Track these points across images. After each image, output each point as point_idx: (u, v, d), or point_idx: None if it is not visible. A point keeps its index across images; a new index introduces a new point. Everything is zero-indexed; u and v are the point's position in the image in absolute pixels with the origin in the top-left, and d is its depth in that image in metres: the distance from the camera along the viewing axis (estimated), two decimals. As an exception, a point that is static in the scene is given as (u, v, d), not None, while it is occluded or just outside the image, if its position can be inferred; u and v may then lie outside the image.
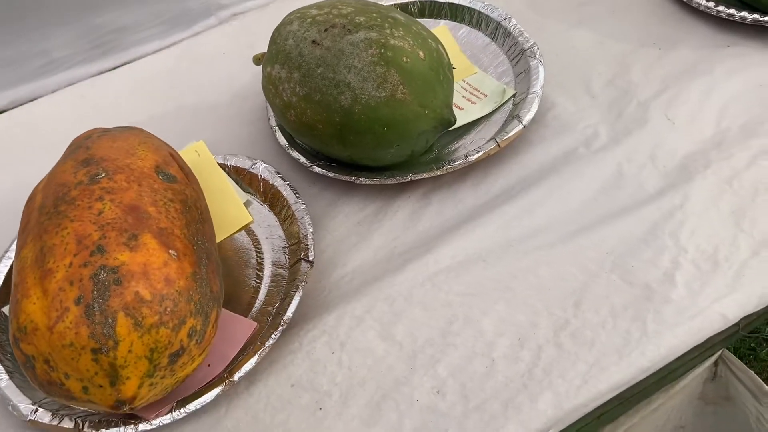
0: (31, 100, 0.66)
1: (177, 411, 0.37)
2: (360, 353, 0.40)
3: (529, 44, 0.54)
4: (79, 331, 0.31)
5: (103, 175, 0.37)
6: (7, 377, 0.39)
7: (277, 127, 0.52)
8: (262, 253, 0.46)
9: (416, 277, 0.43)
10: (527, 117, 0.49)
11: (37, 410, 0.38)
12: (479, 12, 0.58)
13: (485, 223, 0.46)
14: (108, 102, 0.61)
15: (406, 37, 0.43)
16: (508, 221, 0.46)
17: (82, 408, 0.38)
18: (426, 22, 0.60)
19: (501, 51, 0.57)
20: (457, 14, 0.60)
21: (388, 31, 0.43)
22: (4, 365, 0.40)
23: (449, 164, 0.47)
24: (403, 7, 0.61)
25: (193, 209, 0.39)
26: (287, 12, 0.48)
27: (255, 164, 0.50)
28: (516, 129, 0.48)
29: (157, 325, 0.32)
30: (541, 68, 0.52)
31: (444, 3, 0.60)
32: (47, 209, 0.36)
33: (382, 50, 0.42)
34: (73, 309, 0.31)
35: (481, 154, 0.47)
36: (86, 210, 0.35)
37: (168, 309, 0.33)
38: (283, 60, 0.45)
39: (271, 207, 0.48)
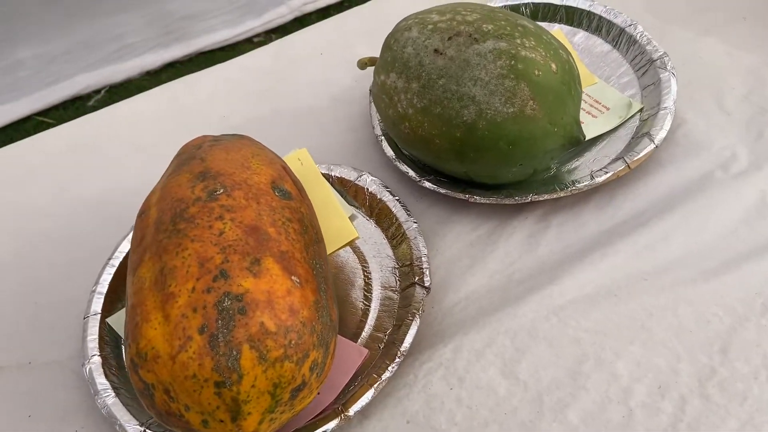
0: (109, 87, 0.65)
1: (290, 444, 0.35)
2: (481, 391, 0.37)
3: (659, 54, 0.50)
4: (203, 362, 0.29)
5: (222, 191, 0.35)
6: (113, 394, 0.38)
7: (383, 137, 0.50)
8: (370, 273, 0.44)
9: (540, 309, 0.40)
10: (659, 135, 0.45)
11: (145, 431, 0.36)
12: (600, 17, 0.54)
13: (613, 252, 0.42)
14: (201, 102, 0.60)
15: (537, 47, 0.40)
16: (638, 251, 0.42)
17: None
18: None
19: (624, 60, 0.52)
20: (574, 18, 0.56)
21: (518, 40, 0.40)
22: (110, 380, 0.39)
23: (573, 185, 0.43)
24: (515, 9, 0.57)
25: (310, 229, 0.37)
26: (382, 13, 0.46)
27: (361, 176, 0.47)
28: (647, 149, 0.44)
29: (282, 359, 0.30)
30: (673, 81, 0.48)
31: (560, 6, 0.56)
32: (165, 226, 0.34)
33: (513, 62, 0.39)
34: (196, 338, 0.30)
35: (609, 175, 0.43)
36: (207, 230, 0.33)
37: (293, 342, 0.31)
38: (401, 69, 0.43)
39: (378, 223, 0.46)
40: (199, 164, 0.38)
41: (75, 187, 0.54)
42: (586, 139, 0.47)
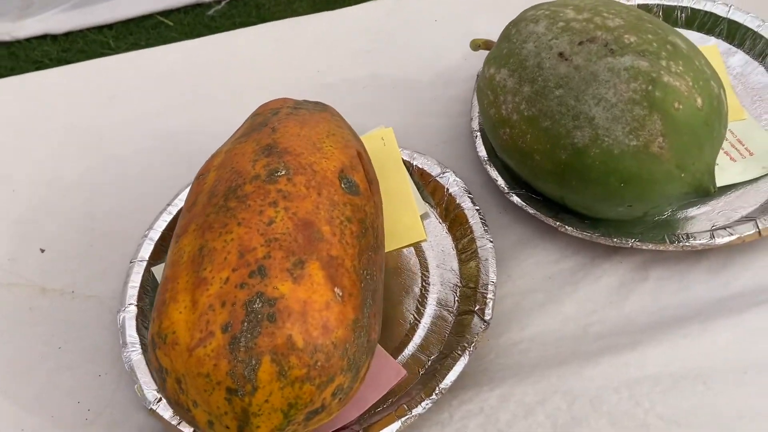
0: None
1: (300, 456, 0.32)
2: (520, 454, 0.33)
3: (834, 101, 0.41)
4: (219, 363, 0.27)
5: (283, 173, 0.32)
6: (140, 350, 0.37)
7: (478, 133, 0.44)
8: (429, 285, 0.40)
9: (611, 376, 0.34)
10: (809, 202, 0.37)
11: (161, 400, 0.35)
12: (768, 40, 0.45)
13: (716, 329, 0.35)
14: (303, 49, 0.56)
15: (685, 74, 0.33)
16: (748, 335, 0.35)
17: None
18: (691, 36, 0.48)
19: (786, 98, 0.44)
20: (737, 35, 0.47)
21: (664, 62, 0.33)
22: (140, 335, 0.38)
23: (686, 240, 0.37)
24: (668, 12, 0.49)
25: (370, 232, 0.33)
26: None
27: (445, 174, 0.43)
28: (790, 216, 0.37)
29: (303, 379, 0.27)
30: (844, 139, 0.39)
31: (723, 18, 0.47)
32: (217, 199, 0.31)
33: (650, 87, 0.32)
34: (218, 335, 0.27)
35: (733, 238, 0.36)
36: (256, 215, 0.30)
37: (319, 363, 0.27)
38: (515, 66, 0.37)
39: (451, 229, 0.41)
40: (269, 135, 0.34)
41: (158, 116, 0.53)
42: (718, 187, 0.40)
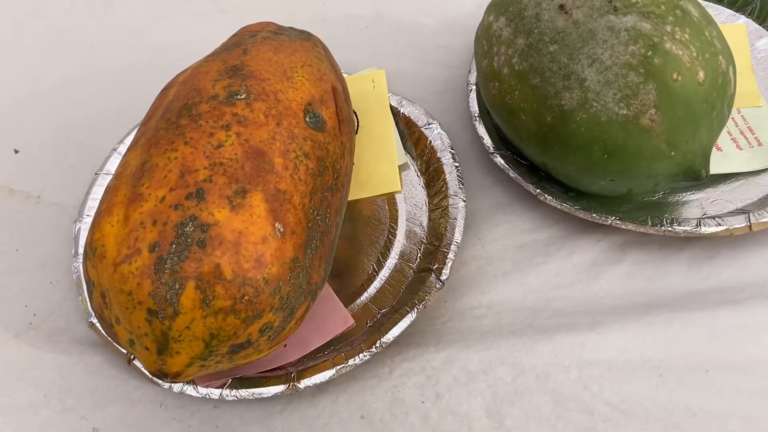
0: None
1: (228, 390, 0.31)
2: (454, 419, 0.32)
3: None
4: (142, 282, 0.26)
5: (243, 96, 0.30)
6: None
7: (474, 86, 0.42)
8: (394, 237, 0.38)
9: (563, 355, 0.33)
10: (809, 202, 0.34)
11: (102, 315, 0.34)
12: (803, 24, 0.41)
13: (684, 321, 0.33)
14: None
15: (690, 44, 0.30)
16: (716, 333, 0.33)
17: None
18: (721, 12, 0.44)
19: (810, 89, 0.40)
20: (767, 17, 0.43)
21: (669, 28, 0.30)
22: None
23: (671, 224, 0.34)
24: (698, -17, 0.45)
25: (329, 172, 0.31)
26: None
27: (430, 125, 0.41)
28: (786, 214, 0.34)
29: (227, 311, 0.26)
30: None
31: (758, -6, 0.43)
32: (170, 115, 0.30)
33: (650, 53, 0.30)
34: (144, 254, 0.26)
35: (720, 229, 0.34)
36: (206, 136, 0.28)
37: (246, 297, 0.26)
38: (513, 15, 0.34)
39: (427, 185, 0.39)
40: (238, 56, 0.32)
41: (151, 30, 0.51)
42: (715, 173, 0.38)
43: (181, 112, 0.29)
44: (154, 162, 0.28)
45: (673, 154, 0.31)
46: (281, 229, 0.28)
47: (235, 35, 0.36)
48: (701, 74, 0.30)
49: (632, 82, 0.30)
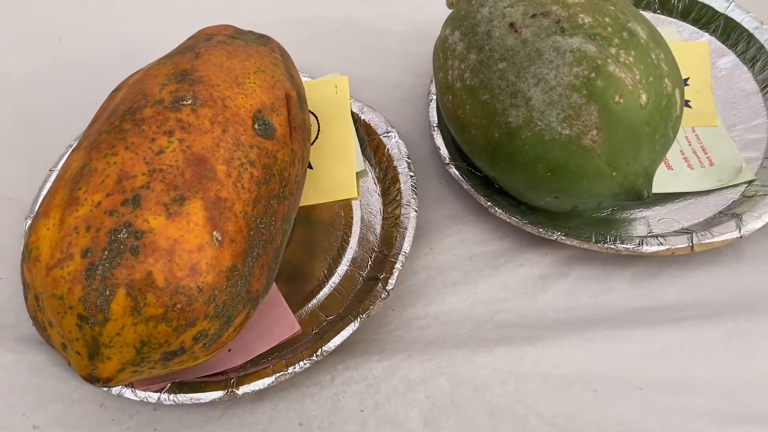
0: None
1: (167, 394, 0.32)
2: (392, 429, 0.32)
3: (810, 123, 0.38)
4: (73, 288, 0.26)
5: (189, 102, 0.30)
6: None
7: (434, 96, 0.42)
8: (347, 244, 0.38)
9: (501, 368, 0.33)
10: (751, 225, 0.35)
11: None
12: (762, 46, 0.42)
13: (622, 338, 0.34)
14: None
15: (634, 66, 0.30)
16: (653, 351, 0.33)
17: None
18: (685, 29, 0.45)
19: (765, 111, 0.41)
20: (731, 35, 0.44)
21: (613, 50, 0.30)
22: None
23: (613, 242, 0.35)
24: (664, 0, 0.45)
25: (276, 179, 0.31)
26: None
27: (389, 133, 0.41)
28: (727, 235, 0.34)
29: (159, 319, 0.26)
30: (808, 164, 0.36)
31: (720, 14, 0.44)
32: (114, 119, 0.30)
33: (593, 75, 0.30)
34: (76, 259, 0.26)
35: (662, 249, 0.34)
36: (147, 141, 0.28)
37: (178, 306, 0.26)
38: (467, 30, 0.34)
39: (383, 193, 0.40)
40: (190, 60, 0.32)
41: (122, 24, 0.51)
42: (664, 192, 0.38)
43: (125, 116, 0.29)
44: (94, 166, 0.28)
45: (614, 174, 0.31)
46: (219, 238, 0.28)
47: (191, 37, 0.36)
48: (644, 97, 0.30)
49: (575, 103, 0.30)
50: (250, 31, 0.38)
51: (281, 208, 0.32)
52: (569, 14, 0.31)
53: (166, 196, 0.27)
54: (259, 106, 0.32)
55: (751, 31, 0.43)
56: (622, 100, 0.30)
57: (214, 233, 0.28)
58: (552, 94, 0.31)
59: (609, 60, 0.30)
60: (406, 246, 0.36)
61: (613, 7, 0.32)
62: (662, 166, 0.39)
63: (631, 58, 0.30)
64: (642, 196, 0.32)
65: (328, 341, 0.33)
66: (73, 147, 0.41)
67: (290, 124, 0.34)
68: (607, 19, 0.31)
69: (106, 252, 0.26)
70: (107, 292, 0.26)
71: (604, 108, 0.30)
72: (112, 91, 0.33)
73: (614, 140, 0.31)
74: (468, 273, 0.37)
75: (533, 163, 0.32)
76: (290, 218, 0.33)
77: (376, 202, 0.40)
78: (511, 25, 0.32)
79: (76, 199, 0.27)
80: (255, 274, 0.30)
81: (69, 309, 0.26)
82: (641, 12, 0.45)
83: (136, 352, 0.27)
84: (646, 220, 0.38)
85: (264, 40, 0.37)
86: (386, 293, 0.34)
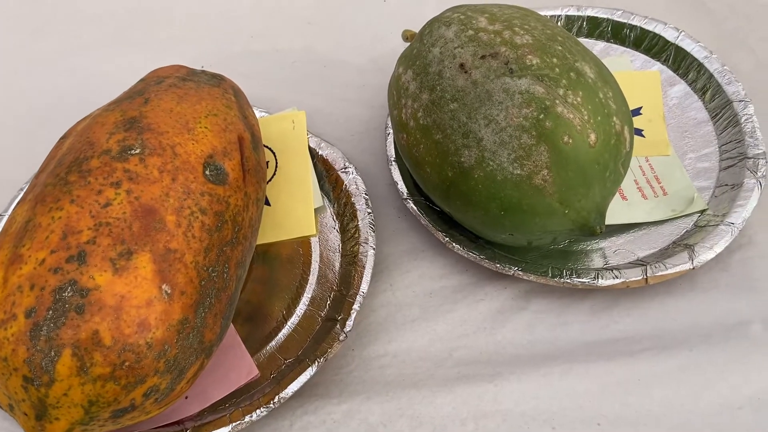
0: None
1: (120, 445, 0.31)
2: (350, 474, 0.32)
3: (757, 152, 0.39)
4: (17, 349, 0.25)
5: (137, 151, 0.30)
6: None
7: (391, 131, 0.42)
8: (306, 283, 0.38)
9: (461, 407, 0.33)
10: (703, 256, 0.35)
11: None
12: (712, 75, 0.43)
13: (580, 373, 0.34)
14: (241, 7, 0.53)
15: (582, 106, 0.31)
16: (609, 386, 0.34)
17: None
18: (637, 58, 0.46)
19: (716, 140, 0.42)
20: (681, 65, 0.45)
21: (561, 90, 0.31)
22: None
23: (569, 277, 0.35)
24: (617, 30, 0.46)
25: (228, 225, 0.31)
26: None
27: (347, 169, 0.41)
28: (680, 267, 0.35)
29: (106, 378, 0.26)
30: (756, 193, 0.37)
31: (672, 43, 0.45)
32: (60, 170, 0.29)
33: (541, 116, 0.30)
34: (20, 320, 0.25)
35: (617, 282, 0.35)
36: (94, 194, 0.28)
37: (126, 363, 0.26)
38: (419, 69, 0.35)
39: (342, 229, 0.40)
40: (139, 106, 0.32)
41: (79, 56, 0.50)
42: (619, 223, 0.39)
43: (71, 168, 0.29)
44: (38, 221, 0.27)
45: (567, 212, 0.32)
46: (168, 291, 0.27)
47: (142, 80, 0.36)
48: (592, 137, 0.31)
49: (525, 144, 0.31)
50: (203, 71, 0.37)
51: (235, 254, 0.32)
52: (517, 55, 0.32)
53: (113, 251, 0.27)
54: (210, 151, 0.32)
55: (701, 61, 0.43)
56: (571, 141, 0.30)
57: (164, 286, 0.27)
58: (502, 134, 0.31)
59: (557, 101, 0.30)
60: (364, 286, 0.35)
61: (560, 47, 0.32)
62: (617, 196, 0.40)
63: (579, 99, 0.31)
64: (595, 232, 0.33)
65: (286, 387, 0.32)
66: (23, 191, 0.40)
67: (243, 168, 0.33)
68: (554, 60, 0.31)
69: (51, 311, 0.25)
70: (52, 353, 0.25)
71: (553, 148, 0.30)
72: (60, 139, 0.33)
73: (565, 179, 0.31)
74: (427, 309, 0.37)
75: (486, 202, 0.32)
76: (245, 262, 0.33)
77: (335, 239, 0.40)
78: (461, 65, 0.33)
79: (19, 256, 0.27)
80: (208, 324, 0.29)
81: (14, 371, 0.25)
82: (596, 41, 0.47)
83: (85, 412, 0.26)
84: (603, 252, 0.38)
85: (217, 81, 0.37)
86: (344, 335, 0.34)
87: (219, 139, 0.33)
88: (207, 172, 0.31)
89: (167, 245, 0.28)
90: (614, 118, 0.32)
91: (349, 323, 0.34)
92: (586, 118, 0.31)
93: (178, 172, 0.30)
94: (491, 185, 0.32)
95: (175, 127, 0.31)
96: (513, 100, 0.31)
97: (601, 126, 0.31)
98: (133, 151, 0.30)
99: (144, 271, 0.27)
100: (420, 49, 0.35)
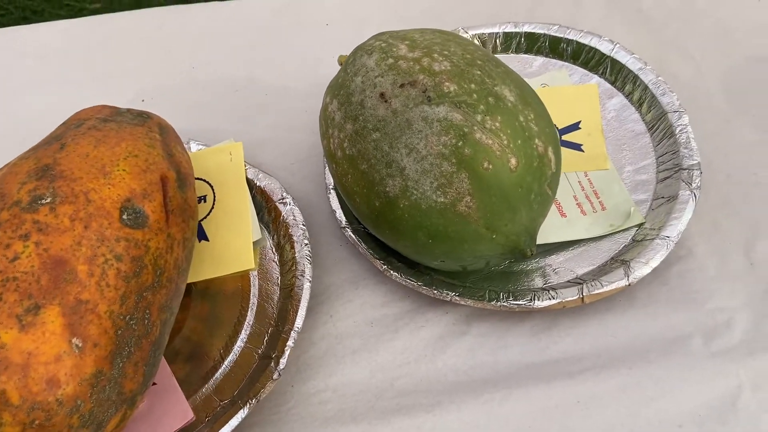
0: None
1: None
2: None
3: (691, 163, 0.39)
4: None
5: (48, 200, 0.29)
6: None
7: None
8: (244, 319, 0.37)
9: (399, 440, 0.33)
10: (639, 272, 0.35)
11: None
12: (647, 86, 0.43)
13: (520, 397, 0.34)
14: (183, 39, 0.53)
15: (501, 131, 0.31)
16: (549, 409, 0.33)
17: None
18: (575, 72, 0.46)
19: (653, 152, 0.42)
20: (618, 77, 0.45)
21: (479, 116, 0.30)
22: None
23: (506, 300, 0.35)
24: (554, 44, 0.46)
25: (148, 270, 0.30)
26: None
27: (284, 199, 0.40)
28: (616, 284, 0.35)
29: (15, 439, 0.25)
30: (691, 205, 0.37)
31: (607, 56, 0.45)
32: (-31, 224, 0.28)
33: (460, 143, 0.30)
34: None
35: (553, 302, 0.35)
36: (2, 248, 0.27)
37: (36, 422, 0.25)
38: (343, 99, 0.34)
39: (281, 262, 0.39)
40: (53, 153, 0.31)
41: (19, 96, 0.49)
42: (558, 241, 0.38)
43: (-20, 221, 0.28)
44: (-57, 279, 0.27)
45: (494, 237, 0.31)
46: (79, 344, 0.27)
47: (63, 124, 0.35)
48: (513, 161, 0.30)
49: (446, 172, 0.30)
50: (129, 110, 0.37)
51: (157, 299, 0.31)
52: (435, 83, 0.31)
53: (20, 307, 0.26)
54: (128, 194, 0.31)
55: (636, 72, 0.43)
56: (491, 166, 0.30)
57: (74, 340, 0.26)
58: (424, 163, 0.31)
59: (475, 127, 0.30)
60: (299, 321, 0.35)
61: (480, 72, 0.32)
62: (556, 214, 0.40)
63: (497, 124, 0.31)
64: (526, 255, 0.32)
65: (218, 431, 0.32)
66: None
67: (166, 208, 0.33)
68: (472, 86, 0.31)
69: (-48, 375, 0.25)
70: (-46, 418, 0.24)
71: (474, 175, 0.30)
72: (-25, 189, 0.32)
73: (488, 205, 0.31)
74: (368, 339, 0.37)
75: (414, 231, 0.32)
76: (171, 306, 0.32)
77: (274, 271, 0.39)
78: (382, 95, 0.32)
79: None
80: (128, 374, 0.29)
81: None
82: (535, 57, 0.47)
83: (-5, 476, 0.25)
84: (543, 271, 0.38)
85: (142, 120, 0.36)
86: (278, 373, 0.33)
87: (138, 181, 0.32)
88: (124, 217, 0.30)
89: (78, 297, 0.27)
90: (536, 141, 0.32)
91: (283, 361, 0.33)
92: (505, 142, 0.30)
93: (92, 219, 0.29)
94: (416, 214, 0.31)
95: (90, 173, 0.31)
96: (432, 128, 0.31)
97: (522, 149, 0.31)
98: (43, 201, 0.29)
99: (52, 325, 0.26)
100: (344, 78, 0.35)
